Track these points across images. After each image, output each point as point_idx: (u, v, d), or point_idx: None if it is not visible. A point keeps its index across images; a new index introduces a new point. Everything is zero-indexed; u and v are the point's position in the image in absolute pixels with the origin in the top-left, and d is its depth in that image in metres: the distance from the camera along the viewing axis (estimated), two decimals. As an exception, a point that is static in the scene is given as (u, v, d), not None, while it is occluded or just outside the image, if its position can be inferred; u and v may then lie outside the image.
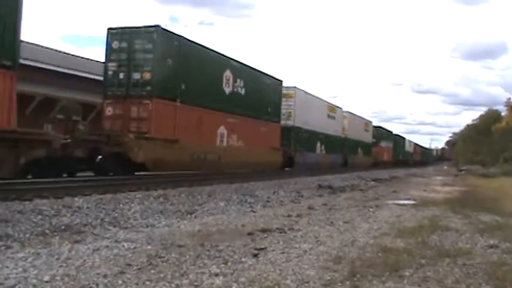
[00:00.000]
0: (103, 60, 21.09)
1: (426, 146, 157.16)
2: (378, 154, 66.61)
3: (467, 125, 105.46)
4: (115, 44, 20.33)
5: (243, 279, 5.59)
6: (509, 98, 76.57)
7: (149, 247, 7.13)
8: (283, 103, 33.86)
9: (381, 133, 70.46)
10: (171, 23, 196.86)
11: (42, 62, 32.00)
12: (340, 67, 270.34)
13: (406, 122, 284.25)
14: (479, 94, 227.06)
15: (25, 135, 13.84)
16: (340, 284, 5.56)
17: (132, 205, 11.73)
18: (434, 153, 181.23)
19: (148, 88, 19.85)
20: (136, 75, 19.98)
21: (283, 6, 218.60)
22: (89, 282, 5.26)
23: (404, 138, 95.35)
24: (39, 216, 9.34)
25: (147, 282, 5.34)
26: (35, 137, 14.52)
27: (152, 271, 5.78)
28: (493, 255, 7.51)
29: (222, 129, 24.97)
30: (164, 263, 6.17)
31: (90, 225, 9.07)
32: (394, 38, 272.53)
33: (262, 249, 7.27)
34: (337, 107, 48.52)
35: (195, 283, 5.41)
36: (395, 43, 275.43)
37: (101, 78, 21.79)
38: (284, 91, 33.78)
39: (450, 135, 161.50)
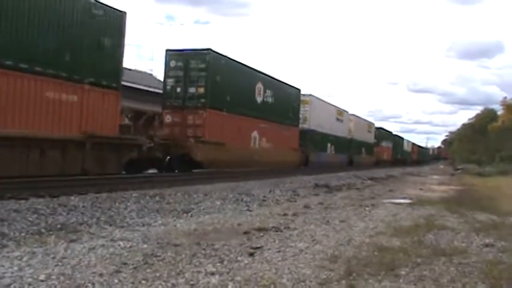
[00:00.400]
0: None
1: (423, 145, 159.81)
2: (379, 153, 70.44)
3: (464, 124, 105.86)
4: (172, 63, 24.70)
5: (238, 278, 5.59)
6: (506, 97, 76.84)
7: (145, 246, 7.12)
8: (301, 109, 38.71)
9: (381, 134, 73.91)
10: (167, 21, 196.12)
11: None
12: (336, 66, 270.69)
13: (402, 121, 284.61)
14: (475, 93, 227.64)
15: (125, 140, 18.70)
16: (336, 283, 5.56)
17: (128, 204, 11.72)
18: (431, 152, 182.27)
19: (203, 100, 24.29)
20: (192, 90, 24.43)
21: (279, 4, 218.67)
22: (85, 281, 5.25)
23: (402, 138, 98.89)
24: (35, 215, 9.32)
25: (143, 281, 5.33)
26: (131, 142, 19.27)
27: (148, 270, 5.78)
28: (488, 254, 7.52)
29: (255, 133, 29.83)
30: (160, 262, 6.17)
31: (86, 224, 9.05)
32: (389, 37, 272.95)
33: (258, 248, 7.27)
34: (344, 110, 53.04)
35: (191, 282, 5.40)
36: (391, 42, 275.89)
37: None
38: (301, 98, 38.55)
39: (446, 134, 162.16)
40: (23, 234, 7.82)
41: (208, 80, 24.29)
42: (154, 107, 29.06)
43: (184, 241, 7.57)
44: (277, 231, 8.94)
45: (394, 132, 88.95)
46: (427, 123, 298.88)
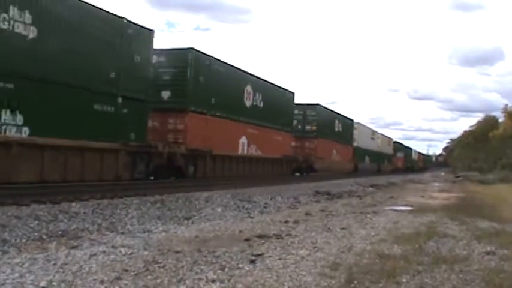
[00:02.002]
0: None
1: (424, 152, 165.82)
2: (396, 162, 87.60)
3: (465, 131, 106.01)
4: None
5: (240, 286, 5.59)
6: (507, 105, 76.83)
7: (146, 253, 7.13)
8: (354, 132, 54.83)
9: (397, 146, 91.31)
10: (168, 28, 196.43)
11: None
12: (339, 73, 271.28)
13: (403, 128, 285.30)
14: (476, 100, 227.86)
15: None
16: (337, 291, 5.57)
17: (129, 210, 11.74)
18: (434, 159, 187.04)
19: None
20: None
21: (280, 11, 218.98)
22: (86, 287, 5.26)
23: (411, 148, 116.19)
24: (36, 222, 9.33)
25: (144, 288, 5.35)
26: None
27: (149, 277, 5.78)
28: (490, 262, 7.51)
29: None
30: (161, 269, 6.17)
31: (87, 230, 9.07)
32: (391, 45, 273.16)
33: (260, 255, 7.27)
34: (374, 131, 70.92)
35: (192, 289, 5.41)
36: (392, 49, 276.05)
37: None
38: (354, 124, 55.27)
39: (448, 141, 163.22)
40: (24, 240, 7.84)
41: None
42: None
43: (186, 248, 7.56)
44: (278, 238, 8.93)
45: (405, 144, 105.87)
46: (428, 131, 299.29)
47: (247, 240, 8.59)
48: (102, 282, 5.47)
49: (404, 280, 6.09)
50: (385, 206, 16.67)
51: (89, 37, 17.12)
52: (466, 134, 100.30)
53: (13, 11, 14.54)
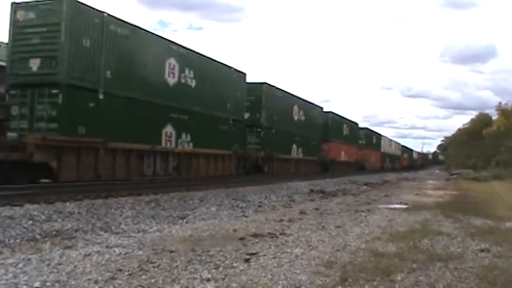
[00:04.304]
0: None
1: (420, 151, 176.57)
2: (403, 162, 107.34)
3: (459, 129, 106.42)
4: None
5: (234, 285, 5.58)
6: (500, 103, 77.05)
7: (140, 252, 7.11)
8: (381, 142, 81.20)
9: (403, 149, 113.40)
10: (161, 27, 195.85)
11: None
12: (332, 71, 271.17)
13: (397, 126, 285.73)
14: (469, 98, 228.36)
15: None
16: (331, 289, 5.57)
17: (124, 210, 11.73)
18: (430, 157, 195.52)
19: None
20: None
21: (273, 9, 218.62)
22: (80, 287, 5.25)
23: (412, 150, 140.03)
24: (30, 222, 9.31)
25: (138, 288, 5.34)
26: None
27: (143, 276, 5.77)
28: (484, 259, 7.52)
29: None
30: (155, 268, 6.16)
31: (81, 230, 9.04)
32: (384, 43, 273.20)
33: (254, 254, 7.26)
34: (391, 139, 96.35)
35: (186, 288, 5.41)
36: (385, 47, 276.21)
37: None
38: (381, 137, 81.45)
39: (442, 139, 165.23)
40: (18, 240, 7.82)
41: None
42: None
43: (180, 247, 7.55)
44: (273, 237, 8.94)
45: (409, 147, 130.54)
46: (422, 128, 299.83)
47: (241, 239, 8.58)
48: (96, 282, 5.46)
49: (398, 278, 6.10)
50: (379, 204, 16.71)
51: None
52: (460, 132, 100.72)
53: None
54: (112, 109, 18.84)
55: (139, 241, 8.05)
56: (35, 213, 10.15)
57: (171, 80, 22.80)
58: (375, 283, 5.81)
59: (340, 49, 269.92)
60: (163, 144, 22.38)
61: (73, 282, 5.40)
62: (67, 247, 7.37)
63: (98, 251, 7.04)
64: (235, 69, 29.53)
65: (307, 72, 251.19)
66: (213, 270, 6.19)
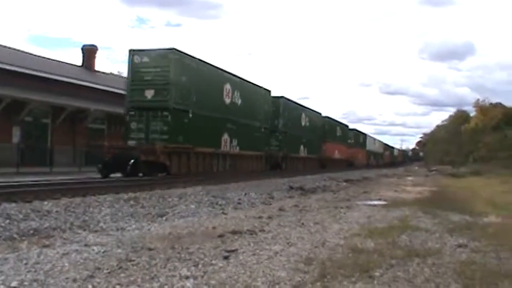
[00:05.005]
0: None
1: (399, 147, 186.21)
2: (385, 158, 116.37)
3: (437, 126, 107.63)
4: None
5: (213, 282, 5.59)
6: (478, 99, 78.27)
7: (119, 250, 7.09)
8: (366, 141, 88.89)
9: (386, 147, 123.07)
10: (139, 24, 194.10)
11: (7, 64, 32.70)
12: (311, 68, 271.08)
13: (375, 123, 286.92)
14: (447, 95, 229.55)
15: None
16: (310, 285, 5.58)
17: (102, 208, 11.67)
18: (410, 154, 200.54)
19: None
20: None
21: (251, 6, 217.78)
22: (58, 287, 5.22)
23: (393, 147, 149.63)
24: (7, 221, 9.24)
25: (117, 286, 5.31)
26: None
27: (122, 275, 5.75)
28: (462, 255, 7.60)
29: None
30: (134, 267, 6.14)
31: (59, 229, 8.98)
32: (362, 39, 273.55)
33: (233, 251, 7.27)
34: (375, 138, 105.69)
35: (166, 286, 5.39)
36: (363, 44, 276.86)
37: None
38: (366, 136, 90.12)
39: (420, 135, 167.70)
40: (-6, 240, 7.75)
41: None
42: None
43: (159, 245, 7.54)
44: (252, 234, 8.95)
45: (389, 145, 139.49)
46: (401, 125, 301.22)
47: (220, 236, 8.59)
48: (74, 280, 5.43)
49: (377, 274, 6.14)
50: (358, 200, 16.79)
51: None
52: (439, 129, 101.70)
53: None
54: (196, 124, 26.04)
55: (118, 239, 8.02)
56: (12, 212, 10.08)
57: (227, 100, 30.80)
58: (354, 279, 5.85)
59: (318, 46, 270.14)
60: (222, 148, 30.09)
61: (51, 281, 5.37)
62: (45, 246, 7.32)
63: (76, 250, 7.00)
64: (264, 88, 37.86)
65: (286, 68, 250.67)
66: (192, 268, 6.19)
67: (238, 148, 32.02)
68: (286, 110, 42.19)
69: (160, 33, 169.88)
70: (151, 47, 25.12)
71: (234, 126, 31.41)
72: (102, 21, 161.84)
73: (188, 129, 25.36)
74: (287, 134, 42.35)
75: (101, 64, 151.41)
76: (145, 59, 24.45)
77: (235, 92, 31.71)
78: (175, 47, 24.81)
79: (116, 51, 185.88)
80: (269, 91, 38.70)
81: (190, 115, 25.58)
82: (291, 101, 45.03)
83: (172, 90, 24.17)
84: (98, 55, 54.78)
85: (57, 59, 44.93)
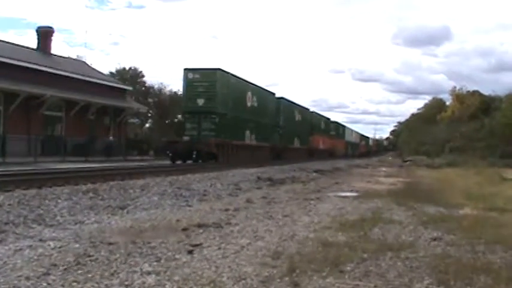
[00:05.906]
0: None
1: (373, 137, 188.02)
2: (361, 148, 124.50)
3: (412, 114, 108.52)
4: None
5: (176, 278, 5.57)
6: (455, 87, 79.07)
7: (77, 245, 7.03)
8: (345, 132, 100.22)
9: (362, 137, 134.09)
10: (98, 5, 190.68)
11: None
12: (280, 54, 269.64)
13: (348, 111, 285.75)
14: (422, 82, 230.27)
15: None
16: (279, 280, 5.61)
17: (59, 201, 11.52)
18: (385, 143, 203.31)
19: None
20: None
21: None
22: (10, 285, 5.15)
23: (368, 137, 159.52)
24: (-44, 215, 9.10)
25: (74, 283, 5.26)
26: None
27: (80, 271, 5.70)
28: (436, 248, 7.69)
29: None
30: (93, 262, 6.10)
31: (12, 223, 8.84)
32: (334, 25, 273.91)
33: (198, 245, 7.27)
34: (352, 129, 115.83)
35: (126, 283, 5.37)
36: (335, 30, 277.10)
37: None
38: (345, 128, 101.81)
39: (395, 124, 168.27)
40: None
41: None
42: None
43: (119, 239, 7.50)
44: (217, 227, 8.95)
45: (365, 135, 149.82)
46: (374, 114, 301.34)
47: (184, 229, 8.57)
48: (28, 278, 5.37)
49: (348, 268, 6.19)
50: (329, 192, 16.90)
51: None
52: (414, 117, 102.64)
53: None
54: (231, 123, 38.14)
55: (76, 233, 7.96)
56: (-39, 205, 9.94)
57: (249, 104, 43.16)
58: (324, 274, 5.88)
59: (288, 30, 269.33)
60: (246, 141, 42.66)
61: (2, 280, 5.30)
62: (-4, 242, 7.24)
63: (30, 245, 6.92)
64: (270, 91, 51.14)
65: (254, 54, 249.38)
66: (154, 263, 6.18)
67: (255, 141, 44.41)
68: (285, 109, 54.47)
69: (122, 15, 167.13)
70: (202, 67, 37.41)
71: (252, 124, 43.52)
72: (59, 1, 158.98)
73: (227, 127, 37.08)
74: (286, 129, 54.21)
75: (58, 47, 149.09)
76: (197, 76, 36.11)
77: (254, 97, 44.01)
78: (220, 67, 37.07)
79: (75, 34, 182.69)
80: (273, 94, 52.06)
81: (229, 116, 37.29)
82: (288, 100, 57.55)
83: (218, 99, 35.75)
84: (55, 37, 53.94)
85: (10, 41, 44.10)
